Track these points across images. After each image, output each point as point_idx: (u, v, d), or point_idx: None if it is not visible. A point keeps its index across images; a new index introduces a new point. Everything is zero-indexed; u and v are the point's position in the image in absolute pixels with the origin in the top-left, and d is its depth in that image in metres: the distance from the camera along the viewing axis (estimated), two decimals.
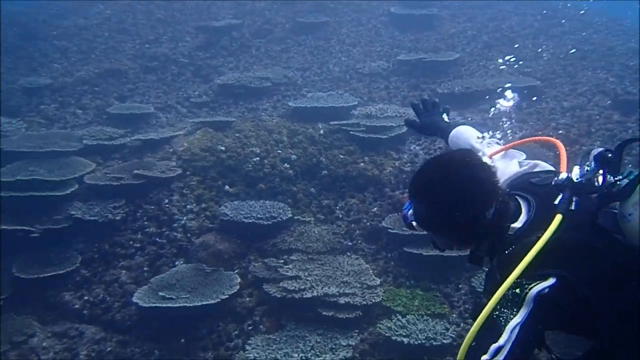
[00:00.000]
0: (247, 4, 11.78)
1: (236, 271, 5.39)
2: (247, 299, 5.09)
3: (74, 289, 5.21)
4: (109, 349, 4.50)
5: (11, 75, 9.95)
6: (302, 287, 4.93)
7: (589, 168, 1.68)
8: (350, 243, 5.81)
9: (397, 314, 4.74)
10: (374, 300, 4.87)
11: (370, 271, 5.29)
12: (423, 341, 4.37)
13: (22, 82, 9.43)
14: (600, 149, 1.66)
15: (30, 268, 5.26)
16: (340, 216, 6.12)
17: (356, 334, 4.69)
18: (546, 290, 1.56)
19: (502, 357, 1.51)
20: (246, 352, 4.35)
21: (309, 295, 4.84)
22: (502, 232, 1.73)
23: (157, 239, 5.79)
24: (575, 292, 1.56)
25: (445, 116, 2.47)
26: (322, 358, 4.31)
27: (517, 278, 1.55)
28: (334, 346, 4.50)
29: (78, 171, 6.44)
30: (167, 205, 6.10)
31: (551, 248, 1.57)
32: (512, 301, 1.57)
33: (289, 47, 10.30)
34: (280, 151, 6.76)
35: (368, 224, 5.91)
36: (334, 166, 6.56)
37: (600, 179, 1.66)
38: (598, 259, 1.60)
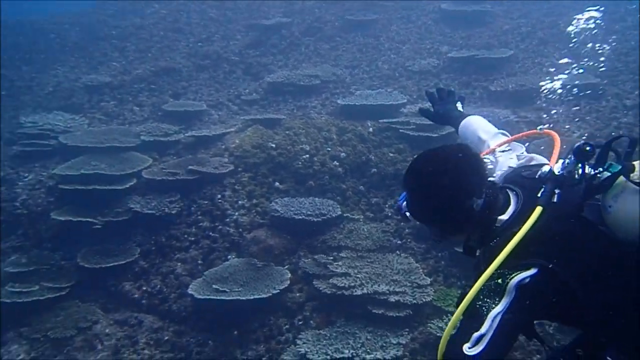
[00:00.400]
0: (297, 3, 11.89)
1: (286, 267, 5.48)
2: (298, 294, 5.18)
3: (133, 280, 5.44)
4: (166, 338, 4.67)
5: (74, 74, 10.45)
6: (352, 284, 4.97)
7: (569, 161, 1.71)
8: (399, 241, 5.80)
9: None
10: (424, 300, 4.85)
11: (420, 270, 5.27)
12: None
13: (84, 80, 9.89)
14: (579, 143, 1.68)
15: (93, 258, 5.52)
16: (390, 214, 6.12)
17: (406, 333, 4.69)
18: (527, 279, 1.58)
19: (483, 346, 1.54)
20: (297, 346, 4.42)
21: (358, 292, 4.87)
22: (490, 223, 1.77)
23: (211, 233, 5.96)
24: (559, 282, 1.58)
25: (459, 105, 2.48)
26: (372, 355, 4.34)
27: (499, 268, 1.59)
28: (384, 344, 4.52)
29: (136, 166, 6.69)
30: (219, 201, 6.26)
31: (534, 239, 1.61)
32: (494, 291, 1.60)
33: (337, 45, 10.33)
34: (329, 149, 6.82)
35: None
36: (384, 164, 6.56)
37: (580, 171, 1.69)
38: (582, 250, 1.63)
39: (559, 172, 1.71)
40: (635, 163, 1.60)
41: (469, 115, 2.40)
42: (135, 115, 8.76)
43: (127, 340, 4.69)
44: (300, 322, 4.76)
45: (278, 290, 4.97)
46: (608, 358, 1.57)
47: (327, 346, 4.47)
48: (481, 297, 1.60)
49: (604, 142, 1.71)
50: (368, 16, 11.00)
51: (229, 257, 5.71)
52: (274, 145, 6.84)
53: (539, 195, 1.68)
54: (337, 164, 6.62)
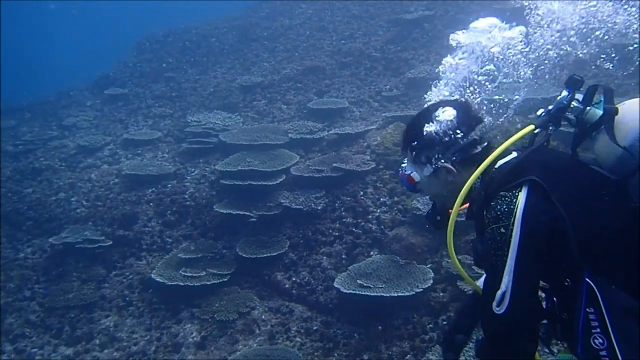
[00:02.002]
0: None
1: (429, 265, 5.50)
2: (441, 294, 5.17)
3: (284, 270, 5.87)
4: (315, 328, 5.00)
5: (230, 75, 11.43)
6: None
7: (565, 96, 1.84)
8: None
9: None
10: None
11: None
12: None
13: (239, 80, 10.77)
14: (571, 74, 1.82)
15: (250, 248, 6.07)
16: None
17: None
18: (525, 205, 1.67)
19: (508, 300, 1.62)
20: None
21: None
22: (489, 167, 1.85)
23: (354, 229, 6.19)
24: (550, 203, 1.65)
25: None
26: None
27: (497, 190, 1.75)
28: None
29: (285, 163, 7.15)
30: (362, 198, 6.45)
31: (526, 162, 1.77)
32: (501, 242, 1.67)
33: None
34: None
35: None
36: None
37: (573, 104, 1.81)
38: (570, 178, 1.74)
39: (551, 107, 1.86)
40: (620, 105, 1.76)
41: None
42: (283, 113, 9.33)
43: (281, 327, 5.11)
44: (444, 322, 4.76)
45: (421, 289, 5.01)
46: (587, 279, 1.59)
47: (473, 349, 4.40)
48: (492, 252, 1.70)
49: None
50: (518, 2, 10.35)
51: (372, 253, 5.88)
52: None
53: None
54: None
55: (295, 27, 12.50)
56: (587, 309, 1.58)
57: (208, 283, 5.66)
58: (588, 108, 1.80)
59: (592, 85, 1.84)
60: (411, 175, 2.04)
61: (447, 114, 1.92)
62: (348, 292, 5.10)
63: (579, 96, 1.83)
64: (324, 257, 5.95)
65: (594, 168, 1.79)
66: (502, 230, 1.68)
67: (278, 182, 6.77)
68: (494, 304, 1.65)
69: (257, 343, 4.94)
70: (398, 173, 2.15)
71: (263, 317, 5.28)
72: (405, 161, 2.10)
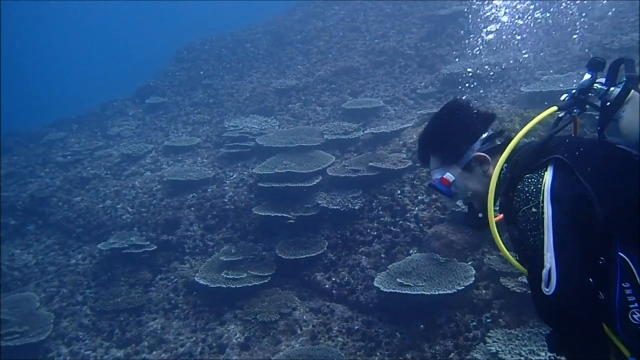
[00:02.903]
0: None
1: (470, 262, 5.41)
2: (484, 292, 5.08)
3: (324, 271, 5.91)
4: (356, 327, 5.01)
5: (266, 79, 11.58)
6: None
7: (587, 78, 1.85)
8: None
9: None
10: None
11: None
12: None
13: (274, 84, 10.90)
14: (593, 56, 1.85)
15: (289, 250, 6.14)
16: None
17: None
18: (552, 182, 1.67)
19: (555, 279, 1.56)
20: (487, 344, 4.36)
21: None
22: (513, 153, 1.86)
23: (392, 228, 6.16)
24: (576, 178, 1.65)
25: None
26: None
27: (523, 172, 1.75)
28: None
29: (321, 164, 7.18)
30: (399, 196, 6.42)
31: (549, 142, 1.79)
32: (535, 222, 1.65)
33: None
34: None
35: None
36: None
37: (596, 86, 1.82)
38: (594, 155, 1.72)
39: (574, 91, 1.88)
40: None
41: None
42: (318, 115, 9.38)
43: (322, 327, 5.14)
44: (488, 320, 4.67)
45: (463, 287, 4.94)
46: (619, 254, 1.56)
47: (520, 347, 4.32)
48: (528, 234, 1.67)
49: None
50: None
51: (411, 251, 5.84)
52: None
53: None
54: None
55: (328, 28, 12.56)
56: (623, 284, 1.55)
57: (249, 285, 5.76)
58: (612, 88, 1.78)
59: (613, 62, 1.80)
60: (444, 177, 1.99)
61: (465, 112, 1.98)
62: (388, 291, 5.07)
63: (603, 80, 1.82)
64: (363, 257, 5.95)
65: (619, 146, 1.76)
66: (534, 209, 1.67)
67: (315, 183, 6.81)
68: (543, 285, 1.60)
69: (300, 343, 4.99)
70: (429, 185, 2.11)
71: (304, 317, 5.33)
72: (432, 170, 2.07)
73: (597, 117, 1.82)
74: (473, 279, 5.00)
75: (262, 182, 7.12)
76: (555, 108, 1.88)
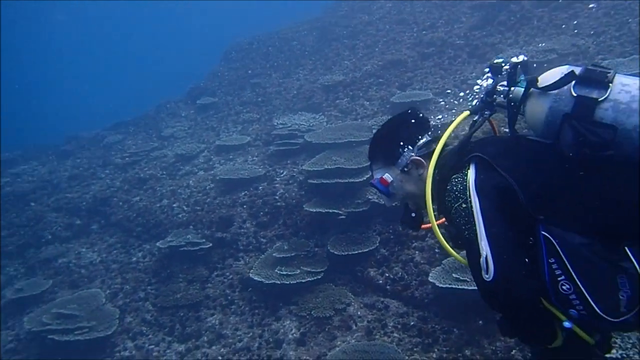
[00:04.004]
0: None
1: None
2: None
3: (377, 266, 5.89)
4: (412, 323, 4.96)
5: (313, 76, 11.62)
6: None
7: (491, 82, 2.09)
8: None
9: None
10: None
11: None
12: None
13: (321, 80, 10.93)
14: (492, 61, 2.09)
15: (341, 246, 6.15)
16: None
17: None
18: (475, 178, 1.86)
19: (492, 265, 1.70)
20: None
21: None
22: (441, 156, 2.07)
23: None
24: (495, 171, 1.85)
25: None
26: None
27: (450, 174, 1.97)
28: None
29: None
30: None
31: (467, 144, 2.01)
32: (466, 216, 1.83)
33: (577, 12, 9.22)
34: None
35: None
36: None
37: (499, 88, 2.04)
38: (508, 148, 1.96)
39: (482, 94, 2.09)
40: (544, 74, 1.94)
41: None
42: (366, 110, 9.33)
43: (377, 323, 5.12)
44: None
45: None
46: (542, 232, 1.75)
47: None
48: (463, 228, 1.84)
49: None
50: None
51: None
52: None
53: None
54: None
55: (374, 22, 12.45)
56: (549, 260, 1.73)
57: (303, 281, 5.81)
58: (513, 88, 2.00)
59: (511, 66, 2.03)
60: (383, 177, 2.19)
61: (407, 118, 2.23)
62: (444, 286, 4.98)
63: (505, 82, 2.05)
64: (417, 252, 5.88)
65: (529, 137, 1.98)
66: (464, 205, 1.86)
67: (365, 178, 6.77)
68: (482, 273, 1.73)
69: (355, 339, 5.00)
70: (370, 183, 2.32)
71: (359, 313, 5.33)
72: (375, 171, 2.28)
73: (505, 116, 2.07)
74: None
75: (311, 179, 7.15)
76: (467, 113, 2.12)
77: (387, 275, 5.74)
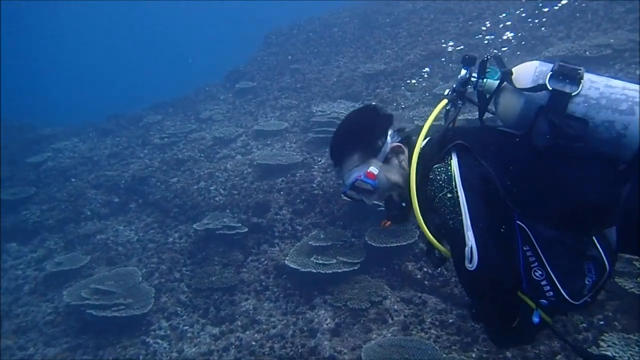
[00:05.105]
0: None
1: None
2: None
3: (415, 260, 5.76)
4: (450, 321, 4.83)
5: (353, 64, 11.46)
6: None
7: (464, 73, 2.12)
8: None
9: None
10: None
11: None
12: None
13: (362, 69, 10.76)
14: (465, 54, 2.13)
15: (378, 237, 6.04)
16: None
17: None
18: (459, 169, 1.89)
19: (476, 255, 1.74)
20: (600, 348, 4.04)
21: None
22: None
23: None
24: (477, 160, 1.90)
25: None
26: None
27: (431, 163, 1.98)
28: None
29: None
30: None
31: (447, 133, 2.04)
32: (452, 206, 1.85)
33: (635, 6, 8.78)
34: None
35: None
36: None
37: (472, 79, 2.10)
38: (484, 139, 2.01)
39: (455, 85, 2.14)
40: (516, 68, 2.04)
41: None
42: (408, 100, 9.14)
43: (414, 318, 5.01)
44: (601, 323, 4.31)
45: None
46: (518, 222, 1.83)
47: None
48: (447, 217, 1.85)
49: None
50: None
51: None
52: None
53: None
54: None
55: (418, 10, 12.17)
56: (524, 248, 1.80)
57: (339, 271, 5.74)
58: (484, 80, 2.08)
59: (482, 59, 2.11)
60: (369, 171, 2.11)
61: (370, 112, 2.22)
62: None
63: (475, 74, 2.11)
64: None
65: (500, 129, 2.05)
66: (449, 195, 1.87)
67: None
68: (466, 262, 1.76)
69: (391, 333, 4.90)
70: (350, 184, 2.16)
71: (395, 307, 5.23)
72: (349, 171, 2.17)
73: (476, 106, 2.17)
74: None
75: None
76: (446, 101, 2.16)
77: (425, 270, 5.61)
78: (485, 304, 1.87)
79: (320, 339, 5.13)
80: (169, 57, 50.60)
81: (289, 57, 13.28)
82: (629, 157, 1.86)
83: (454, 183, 1.87)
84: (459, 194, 1.84)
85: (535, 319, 1.79)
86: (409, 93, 9.35)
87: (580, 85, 1.90)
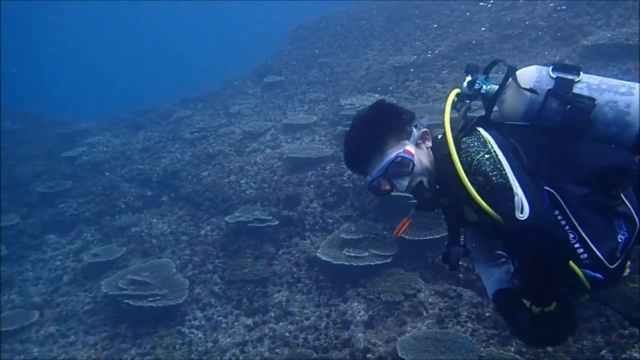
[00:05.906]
0: None
1: None
2: None
3: None
4: (487, 314, 4.76)
5: (382, 56, 11.37)
6: None
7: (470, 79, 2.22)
8: None
9: None
10: None
11: None
12: None
13: (390, 61, 10.67)
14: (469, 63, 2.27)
15: (411, 230, 5.98)
16: None
17: None
18: (491, 134, 1.99)
19: (527, 201, 1.73)
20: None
21: None
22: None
23: None
24: (499, 130, 2.05)
25: None
26: None
27: (461, 136, 2.06)
28: None
29: None
30: None
31: (465, 116, 2.20)
32: (492, 163, 1.87)
33: None
34: None
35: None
36: None
37: (478, 82, 2.21)
38: (497, 124, 2.14)
39: (464, 87, 2.22)
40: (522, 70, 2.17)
41: None
42: (438, 93, 9.02)
43: (450, 311, 4.96)
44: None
45: None
46: (546, 187, 1.91)
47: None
48: (490, 174, 1.85)
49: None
50: None
51: None
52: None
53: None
54: None
55: (449, 2, 11.98)
56: (554, 212, 1.84)
57: (372, 264, 5.72)
58: (488, 86, 2.20)
59: (489, 64, 2.28)
60: (407, 148, 2.06)
61: (388, 103, 2.25)
62: None
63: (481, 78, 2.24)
64: None
65: (508, 123, 2.15)
66: (487, 155, 1.90)
67: None
68: (516, 212, 1.73)
69: (426, 326, 4.86)
70: (374, 179, 2.10)
71: (430, 300, 5.19)
72: (384, 153, 2.10)
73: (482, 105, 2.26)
74: (628, 270, 4.49)
75: None
76: (458, 90, 2.25)
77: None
78: (536, 264, 1.75)
79: (353, 331, 5.13)
80: (168, 57, 51.14)
81: (317, 51, 13.25)
82: (633, 137, 1.97)
83: (489, 145, 1.93)
84: (497, 152, 1.89)
85: (591, 273, 1.79)
86: (440, 85, 9.23)
87: (580, 74, 2.08)
